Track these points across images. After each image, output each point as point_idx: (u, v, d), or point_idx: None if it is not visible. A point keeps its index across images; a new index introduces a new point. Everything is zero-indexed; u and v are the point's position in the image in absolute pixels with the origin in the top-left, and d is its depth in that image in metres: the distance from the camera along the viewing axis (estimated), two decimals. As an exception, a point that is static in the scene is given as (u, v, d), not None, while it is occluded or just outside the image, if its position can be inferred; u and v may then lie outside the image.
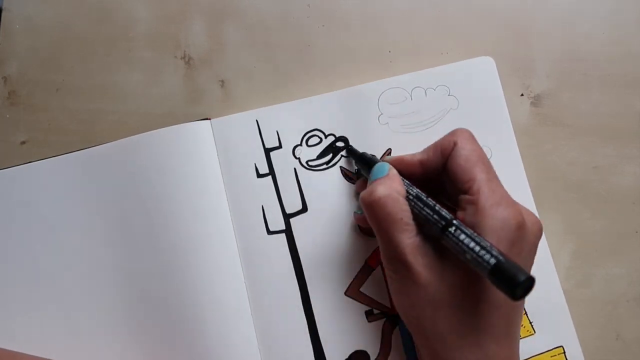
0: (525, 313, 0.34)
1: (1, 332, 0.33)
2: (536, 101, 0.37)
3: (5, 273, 0.34)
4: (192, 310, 0.33)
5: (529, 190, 0.35)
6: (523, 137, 0.36)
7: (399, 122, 0.36)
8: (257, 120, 0.36)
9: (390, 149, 0.35)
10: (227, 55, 0.38)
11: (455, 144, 0.28)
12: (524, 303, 0.28)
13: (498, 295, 0.26)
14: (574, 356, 0.33)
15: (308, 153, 0.35)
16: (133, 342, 0.33)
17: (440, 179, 0.30)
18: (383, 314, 0.34)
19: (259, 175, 0.35)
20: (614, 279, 0.35)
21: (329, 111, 0.36)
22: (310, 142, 0.36)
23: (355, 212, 0.34)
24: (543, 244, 0.34)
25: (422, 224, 0.27)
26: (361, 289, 0.34)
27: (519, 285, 0.21)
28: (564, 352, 0.33)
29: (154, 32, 0.38)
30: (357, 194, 0.35)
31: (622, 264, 0.35)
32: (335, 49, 0.38)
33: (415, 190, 0.28)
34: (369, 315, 0.34)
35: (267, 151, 0.35)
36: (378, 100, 0.36)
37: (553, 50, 0.38)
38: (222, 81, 0.37)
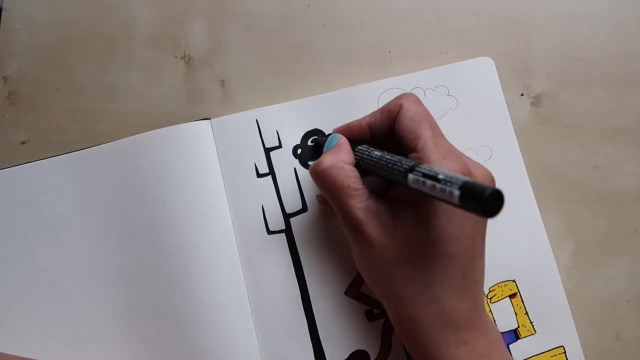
0: (526, 313, 0.34)
1: (0, 332, 0.33)
2: (536, 101, 0.37)
3: (5, 273, 0.34)
4: (192, 310, 0.33)
5: (531, 190, 0.35)
6: (523, 137, 0.36)
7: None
8: (257, 120, 0.36)
9: (390, 149, 0.35)
10: (227, 55, 0.38)
11: (401, 106, 0.29)
12: (481, 257, 0.28)
13: (449, 248, 0.26)
14: (575, 356, 0.33)
15: (308, 153, 0.35)
16: (133, 342, 0.33)
17: (389, 141, 0.30)
18: (383, 314, 0.34)
19: (259, 175, 0.35)
20: (614, 278, 0.35)
21: (329, 111, 0.36)
22: (310, 142, 0.36)
23: (317, 196, 0.34)
24: (545, 244, 0.34)
25: (386, 178, 0.28)
26: (361, 289, 0.34)
27: (487, 198, 0.21)
28: (565, 352, 0.33)
29: (154, 32, 0.38)
30: None
31: (622, 264, 0.35)
32: (335, 49, 0.38)
33: (379, 150, 0.29)
34: (369, 315, 0.34)
35: (267, 151, 0.35)
36: (378, 100, 0.36)
37: (553, 50, 0.38)
38: (222, 81, 0.37)
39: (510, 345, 0.33)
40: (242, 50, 0.38)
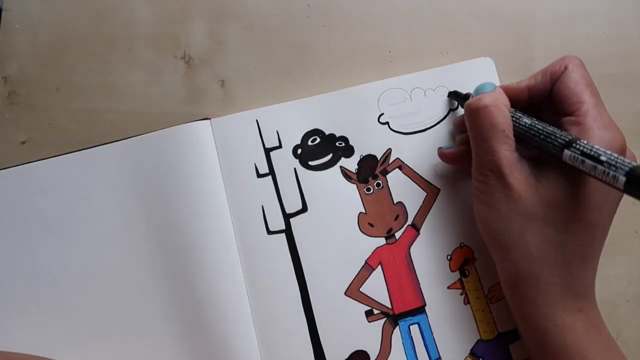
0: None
1: (0, 332, 0.33)
2: (536, 101, 0.37)
3: (4, 273, 0.34)
4: (192, 310, 0.33)
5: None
6: (523, 137, 0.36)
7: (398, 122, 0.36)
8: (257, 120, 0.36)
9: (390, 149, 0.35)
10: (227, 55, 0.38)
11: (566, 67, 0.29)
12: (608, 231, 0.29)
13: (590, 216, 0.27)
14: (574, 356, 0.33)
15: (308, 153, 0.35)
16: (132, 342, 0.33)
17: (540, 108, 0.30)
18: (383, 314, 0.34)
19: (259, 175, 0.35)
20: (614, 279, 0.35)
21: (329, 111, 0.36)
22: (310, 142, 0.36)
23: (440, 148, 0.35)
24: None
25: (535, 146, 0.28)
26: (361, 289, 0.34)
27: None
28: (564, 352, 0.33)
29: (154, 32, 0.38)
30: (453, 129, 0.35)
31: (622, 264, 0.35)
32: (335, 49, 0.38)
33: (528, 117, 0.29)
34: (369, 315, 0.34)
35: (267, 151, 0.35)
36: (378, 100, 0.36)
37: (553, 51, 0.38)
38: (222, 81, 0.37)
39: (510, 345, 0.33)
40: (242, 50, 0.38)
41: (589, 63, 0.37)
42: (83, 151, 0.35)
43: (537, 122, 0.28)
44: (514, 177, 0.27)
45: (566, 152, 0.26)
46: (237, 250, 0.34)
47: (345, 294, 0.34)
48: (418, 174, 0.35)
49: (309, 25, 0.38)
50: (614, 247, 0.35)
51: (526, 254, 0.27)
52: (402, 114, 0.36)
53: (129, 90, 0.37)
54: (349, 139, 0.36)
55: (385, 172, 0.35)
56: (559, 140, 0.26)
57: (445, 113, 0.36)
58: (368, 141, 0.36)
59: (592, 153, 0.24)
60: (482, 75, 0.36)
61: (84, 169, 0.35)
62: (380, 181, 0.35)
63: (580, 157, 0.25)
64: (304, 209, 0.35)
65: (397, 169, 0.35)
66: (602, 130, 0.27)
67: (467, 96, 0.34)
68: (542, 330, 0.27)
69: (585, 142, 0.26)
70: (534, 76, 0.30)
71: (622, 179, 0.23)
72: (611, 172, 0.23)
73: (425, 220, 0.35)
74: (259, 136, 0.35)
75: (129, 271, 0.34)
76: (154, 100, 0.37)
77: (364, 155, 0.35)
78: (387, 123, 0.36)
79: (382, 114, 0.36)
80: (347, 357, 0.33)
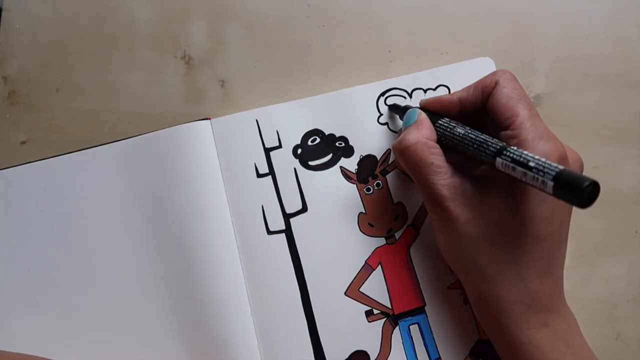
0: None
1: (0, 332, 0.33)
2: (536, 101, 0.37)
3: (4, 273, 0.34)
4: (192, 310, 0.33)
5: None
6: (523, 137, 0.36)
7: (398, 123, 0.36)
8: (257, 120, 0.36)
9: (389, 149, 0.35)
10: (227, 55, 0.38)
11: (497, 82, 0.29)
12: (566, 241, 0.29)
13: (538, 229, 0.27)
14: (574, 356, 0.33)
15: (308, 153, 0.35)
16: (133, 342, 0.33)
17: (476, 118, 0.30)
18: (383, 314, 0.34)
19: (259, 175, 0.35)
20: (614, 279, 0.35)
21: (329, 111, 0.36)
22: (310, 142, 0.36)
23: (390, 163, 0.35)
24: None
25: (470, 155, 0.28)
26: (361, 289, 0.34)
27: (584, 189, 0.21)
28: (564, 352, 0.33)
29: (154, 32, 0.38)
30: None
31: (621, 264, 0.35)
32: (335, 49, 0.38)
33: (461, 126, 0.29)
34: (369, 315, 0.34)
35: (267, 151, 0.35)
36: (377, 100, 0.36)
37: (553, 50, 0.38)
38: (222, 81, 0.37)
39: (510, 345, 0.33)
40: (242, 50, 0.38)
41: (589, 63, 0.38)
42: (83, 151, 0.35)
43: (470, 131, 0.28)
44: (456, 205, 0.28)
45: (498, 160, 0.25)
46: (237, 250, 0.34)
47: (345, 294, 0.34)
48: (418, 174, 0.35)
49: (309, 25, 0.38)
50: (614, 247, 0.35)
51: (482, 276, 0.28)
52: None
53: (129, 90, 0.37)
54: (349, 139, 0.36)
55: (385, 172, 0.35)
56: (491, 148, 0.26)
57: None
58: (368, 141, 0.36)
59: (521, 159, 0.24)
60: (482, 75, 0.36)
61: (84, 169, 0.35)
62: (380, 181, 0.35)
63: (511, 164, 0.25)
64: (304, 209, 0.35)
65: (397, 169, 0.35)
66: (537, 141, 0.27)
67: (405, 108, 0.33)
68: (512, 348, 0.28)
69: (515, 148, 0.25)
70: (467, 89, 0.31)
71: (550, 183, 0.22)
72: (540, 178, 0.23)
73: (425, 220, 0.35)
74: (259, 136, 0.35)
75: (129, 271, 0.34)
76: (154, 100, 0.37)
77: (363, 155, 0.35)
78: (387, 123, 0.36)
79: (382, 114, 0.36)
80: (347, 357, 0.33)
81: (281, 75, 0.37)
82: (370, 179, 0.35)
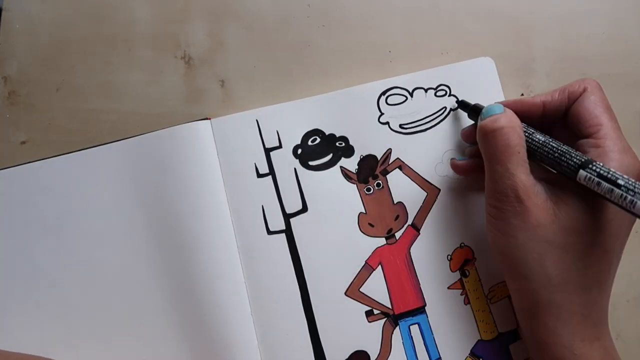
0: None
1: (0, 332, 0.33)
2: (536, 101, 0.37)
3: (4, 273, 0.34)
4: (192, 310, 0.33)
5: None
6: (523, 137, 0.36)
7: (398, 122, 0.36)
8: (257, 120, 0.36)
9: (390, 149, 0.35)
10: (227, 55, 0.38)
11: (585, 89, 0.29)
12: (621, 256, 0.28)
13: (607, 242, 0.26)
14: (574, 356, 0.33)
15: (308, 153, 0.35)
16: (132, 342, 0.33)
17: (553, 126, 0.30)
18: (383, 314, 0.34)
19: (259, 175, 0.35)
20: (614, 278, 0.35)
21: (329, 111, 0.36)
22: (311, 142, 0.36)
23: (453, 159, 0.34)
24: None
25: (547, 164, 0.27)
26: (361, 289, 0.34)
27: None
28: (564, 352, 0.33)
29: (154, 32, 0.38)
30: (463, 140, 0.35)
31: (622, 264, 0.35)
32: (335, 49, 0.38)
33: (541, 133, 0.28)
34: (369, 315, 0.34)
35: (267, 151, 0.35)
36: (378, 100, 0.36)
37: (553, 50, 0.38)
38: (222, 81, 0.37)
39: (510, 346, 0.33)
40: (242, 50, 0.38)
41: (589, 63, 0.38)
42: (83, 151, 0.35)
43: (550, 140, 0.28)
44: (532, 203, 0.26)
45: (582, 172, 0.25)
46: (237, 250, 0.34)
47: (345, 294, 0.34)
48: (418, 174, 0.35)
49: (309, 25, 0.38)
50: (614, 247, 0.35)
51: (546, 282, 0.27)
52: (402, 113, 0.36)
53: (129, 90, 0.37)
54: (349, 139, 0.36)
55: (385, 172, 0.35)
56: (575, 160, 0.26)
57: (446, 113, 0.36)
58: (368, 141, 0.36)
59: (610, 176, 0.24)
60: (482, 75, 0.36)
61: (84, 169, 0.35)
62: (380, 181, 0.35)
63: (596, 179, 0.25)
64: (304, 209, 0.35)
65: (397, 169, 0.35)
66: (621, 154, 0.26)
67: (475, 107, 0.33)
68: (560, 359, 0.27)
69: (601, 164, 0.25)
70: (551, 93, 0.30)
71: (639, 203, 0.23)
72: (629, 197, 0.23)
73: (426, 220, 0.35)
74: (259, 136, 0.35)
75: (128, 271, 0.34)
76: (154, 100, 0.37)
77: (364, 155, 0.35)
78: (387, 123, 0.36)
79: (382, 114, 0.36)
80: (347, 357, 0.33)
81: (281, 75, 0.37)
82: (370, 179, 0.35)
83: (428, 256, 0.34)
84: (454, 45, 0.38)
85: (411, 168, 0.35)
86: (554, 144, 0.27)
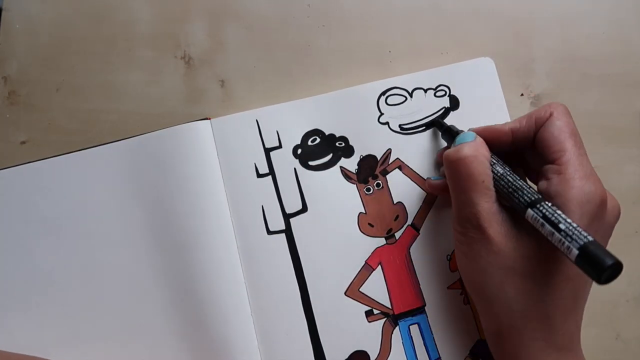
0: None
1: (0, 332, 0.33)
2: (536, 101, 0.37)
3: (4, 273, 0.34)
4: (192, 310, 0.33)
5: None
6: (523, 137, 0.36)
7: (398, 123, 0.36)
8: (257, 120, 0.36)
9: (390, 149, 0.35)
10: (227, 55, 0.38)
11: (551, 114, 0.29)
12: (590, 285, 0.28)
13: (570, 270, 0.26)
14: (574, 356, 0.33)
15: (308, 153, 0.35)
16: (132, 342, 0.33)
17: (524, 151, 0.30)
18: (383, 314, 0.34)
19: (259, 175, 0.35)
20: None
21: (329, 111, 0.36)
22: (310, 142, 0.36)
23: (429, 179, 0.34)
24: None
25: (504, 197, 0.27)
26: (361, 289, 0.34)
27: (605, 269, 0.21)
28: (564, 352, 0.33)
29: (154, 32, 0.38)
30: (437, 161, 0.35)
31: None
32: (335, 49, 0.38)
33: (501, 165, 0.28)
34: (369, 315, 0.34)
35: (267, 151, 0.35)
36: (378, 100, 0.36)
37: (553, 50, 0.38)
38: (222, 81, 0.37)
39: (510, 345, 0.33)
40: (242, 50, 0.38)
41: (589, 63, 0.38)
42: (83, 151, 0.35)
43: (509, 173, 0.28)
44: (494, 230, 0.27)
45: (529, 211, 0.25)
46: (237, 250, 0.34)
47: (345, 294, 0.34)
48: (418, 174, 0.35)
49: (309, 25, 0.38)
50: (614, 247, 0.35)
51: (507, 308, 0.27)
52: (402, 113, 0.36)
53: (129, 90, 0.37)
54: (349, 139, 0.36)
55: (385, 172, 0.35)
56: (525, 197, 0.26)
57: (446, 113, 0.36)
58: (368, 141, 0.36)
59: (553, 219, 0.24)
60: (482, 75, 0.36)
61: (84, 169, 0.35)
62: (380, 181, 0.35)
63: (541, 220, 0.25)
64: (304, 209, 0.35)
65: (397, 169, 0.35)
66: (583, 181, 0.26)
67: (449, 129, 0.33)
68: None
69: (550, 204, 0.25)
70: (519, 120, 0.30)
71: (575, 252, 0.23)
72: (566, 243, 0.23)
73: (425, 220, 0.35)
74: (259, 136, 0.35)
75: (128, 271, 0.34)
76: (154, 100, 0.37)
77: (364, 155, 0.35)
78: (387, 123, 0.36)
79: (382, 114, 0.36)
80: (347, 357, 0.33)
81: (281, 75, 0.37)
82: (370, 179, 0.35)
83: (428, 256, 0.34)
84: (454, 45, 0.38)
85: (411, 168, 0.35)
86: (510, 178, 0.28)
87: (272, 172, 0.35)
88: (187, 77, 0.37)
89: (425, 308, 0.34)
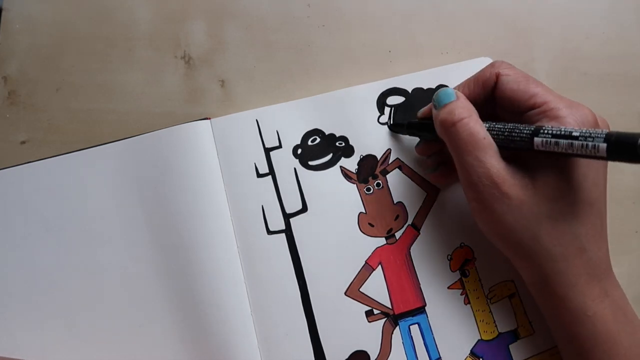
0: (525, 313, 0.34)
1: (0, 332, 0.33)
2: (536, 101, 0.37)
3: (4, 273, 0.34)
4: (192, 310, 0.33)
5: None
6: (523, 137, 0.36)
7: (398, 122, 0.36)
8: (257, 120, 0.36)
9: (390, 149, 0.35)
10: (227, 55, 0.38)
11: (497, 74, 0.29)
12: (606, 204, 0.28)
13: (590, 194, 0.27)
14: (574, 356, 0.33)
15: (308, 153, 0.35)
16: (132, 342, 0.33)
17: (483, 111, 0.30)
18: (383, 314, 0.34)
19: (259, 175, 0.35)
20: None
21: (329, 111, 0.36)
22: (310, 142, 0.36)
23: (417, 145, 0.34)
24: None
25: (505, 144, 0.27)
26: (361, 289, 0.34)
27: (639, 144, 0.21)
28: (564, 352, 0.33)
29: (154, 32, 0.38)
30: (417, 157, 0.35)
31: (622, 264, 0.35)
32: (335, 49, 0.38)
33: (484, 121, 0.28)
34: (369, 315, 0.34)
35: (267, 151, 0.35)
36: (378, 100, 0.36)
37: (553, 50, 0.38)
38: (222, 81, 0.37)
39: (510, 346, 0.33)
40: (242, 50, 0.38)
41: (589, 63, 0.38)
42: (83, 151, 0.35)
43: (494, 123, 0.28)
44: (510, 184, 0.27)
45: (536, 139, 0.25)
46: (237, 250, 0.34)
47: (345, 294, 0.34)
48: (418, 174, 0.35)
49: (309, 25, 0.38)
50: (614, 247, 0.35)
51: (547, 256, 0.27)
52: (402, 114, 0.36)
53: (129, 90, 0.37)
54: (349, 139, 0.36)
55: (385, 172, 0.35)
56: (525, 131, 0.26)
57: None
58: (368, 141, 0.36)
59: (563, 132, 0.24)
60: (482, 75, 0.36)
61: (84, 169, 0.35)
62: (380, 181, 0.35)
63: (552, 140, 0.25)
64: (304, 209, 0.35)
65: (397, 169, 0.35)
66: (570, 109, 0.27)
67: (411, 124, 0.33)
68: (574, 323, 0.27)
69: (550, 126, 0.25)
70: (465, 85, 0.30)
71: (603, 146, 0.22)
72: (589, 144, 0.23)
73: (425, 220, 0.35)
74: (259, 136, 0.35)
75: (128, 271, 0.34)
76: (154, 100, 0.37)
77: (364, 155, 0.35)
78: (387, 123, 0.36)
79: (382, 114, 0.36)
80: (347, 357, 0.33)
81: (281, 75, 0.37)
82: (370, 178, 0.35)
83: (428, 256, 0.34)
84: (454, 45, 0.38)
85: (411, 168, 0.35)
86: (499, 125, 0.28)
87: (272, 172, 0.35)
88: (187, 77, 0.37)
89: (426, 308, 0.34)
